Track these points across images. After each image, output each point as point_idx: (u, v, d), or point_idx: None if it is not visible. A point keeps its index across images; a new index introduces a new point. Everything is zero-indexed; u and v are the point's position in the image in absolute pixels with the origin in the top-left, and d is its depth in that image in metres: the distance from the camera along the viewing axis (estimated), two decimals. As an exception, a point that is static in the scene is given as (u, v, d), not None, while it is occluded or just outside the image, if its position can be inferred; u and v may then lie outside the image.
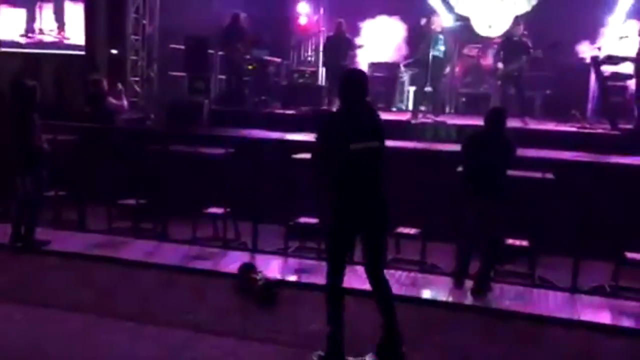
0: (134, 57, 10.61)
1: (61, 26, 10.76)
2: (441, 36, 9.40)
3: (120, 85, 8.87)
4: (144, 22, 10.69)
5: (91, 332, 4.52)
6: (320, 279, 5.71)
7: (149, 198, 7.05)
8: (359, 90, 4.09)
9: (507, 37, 9.90)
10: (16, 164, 6.35)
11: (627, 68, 8.87)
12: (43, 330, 4.51)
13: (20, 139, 6.24)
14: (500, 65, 9.54)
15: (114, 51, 10.65)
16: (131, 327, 4.62)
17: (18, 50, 10.81)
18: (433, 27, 9.45)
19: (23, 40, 10.85)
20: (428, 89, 9.74)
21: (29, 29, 10.85)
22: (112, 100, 8.58)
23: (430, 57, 9.28)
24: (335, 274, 4.13)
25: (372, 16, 12.21)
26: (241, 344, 4.42)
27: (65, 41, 10.73)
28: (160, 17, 10.88)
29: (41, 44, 10.81)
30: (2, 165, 6.80)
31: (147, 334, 4.51)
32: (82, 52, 10.55)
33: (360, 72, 4.66)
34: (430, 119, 9.51)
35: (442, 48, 9.39)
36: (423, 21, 10.38)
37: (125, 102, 8.85)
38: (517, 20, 10.57)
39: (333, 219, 4.12)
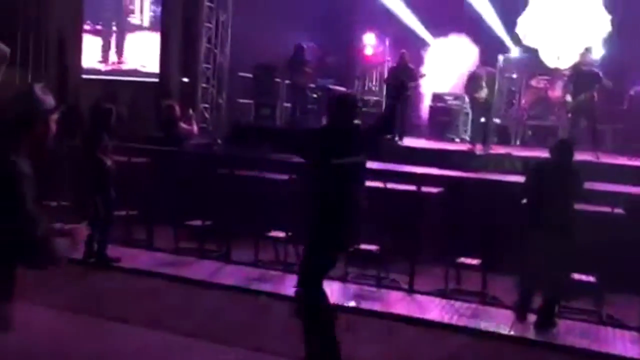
0: (205, 85, 11.03)
1: (120, 54, 11.34)
2: (485, 78, 9.44)
3: (191, 111, 9.25)
4: (216, 51, 11.12)
5: (154, 348, 4.68)
6: (377, 306, 5.78)
7: (214, 220, 7.27)
8: (347, 110, 4.27)
9: (576, 68, 9.73)
10: (88, 183, 6.70)
11: None
12: (108, 343, 4.70)
13: (92, 159, 6.59)
14: (568, 97, 9.37)
15: (185, 79, 11.12)
16: (191, 344, 4.76)
17: (98, 77, 11.44)
18: (482, 70, 9.54)
19: (102, 67, 11.48)
20: (482, 120, 9.74)
21: (105, 57, 11.49)
22: (183, 125, 8.95)
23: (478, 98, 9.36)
24: (323, 292, 4.19)
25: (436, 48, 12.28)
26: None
27: (142, 69, 11.28)
28: (231, 46, 11.30)
29: (118, 72, 11.41)
30: (78, 185, 7.20)
31: (209, 352, 4.63)
32: (157, 80, 11.05)
33: (351, 95, 4.89)
34: (492, 149, 9.41)
35: (485, 90, 9.42)
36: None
37: (195, 127, 9.22)
38: (587, 51, 10.39)
39: (320, 235, 4.19)
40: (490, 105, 9.64)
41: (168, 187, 7.75)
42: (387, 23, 12.80)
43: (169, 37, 11.08)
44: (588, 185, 5.59)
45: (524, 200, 5.65)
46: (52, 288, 5.86)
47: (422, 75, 11.21)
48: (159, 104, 10.16)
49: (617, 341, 5.22)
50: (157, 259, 6.91)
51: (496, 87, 9.77)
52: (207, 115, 11.05)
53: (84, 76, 11.46)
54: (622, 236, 5.77)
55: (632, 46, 10.03)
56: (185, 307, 5.61)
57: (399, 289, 6.28)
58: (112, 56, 11.45)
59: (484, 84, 9.45)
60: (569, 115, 9.66)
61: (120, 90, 11.34)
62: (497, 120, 9.66)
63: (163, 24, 11.09)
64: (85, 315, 5.21)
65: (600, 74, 9.18)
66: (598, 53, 10.81)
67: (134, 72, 11.29)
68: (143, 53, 11.27)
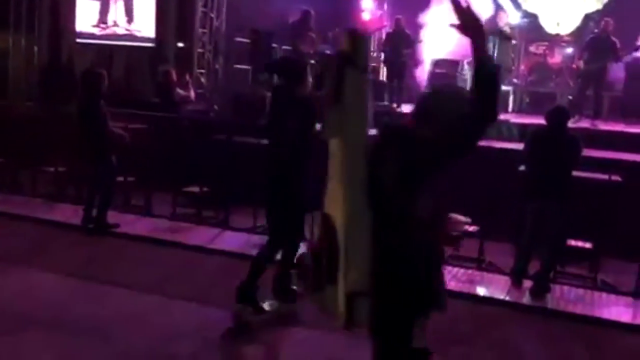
0: (201, 50, 10.90)
1: (131, 19, 11.16)
2: (492, 37, 9.24)
3: (188, 77, 9.15)
4: (212, 15, 10.96)
5: (153, 313, 4.73)
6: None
7: (212, 186, 7.28)
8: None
9: (595, 35, 9.59)
10: (88, 151, 6.68)
11: None
12: (106, 307, 4.74)
13: (90, 127, 6.55)
14: (581, 63, 9.28)
15: (181, 44, 10.98)
16: (193, 308, 4.82)
17: (92, 41, 11.28)
18: (499, 23, 9.31)
19: (97, 31, 11.31)
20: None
21: (102, 20, 11.30)
22: (180, 91, 8.88)
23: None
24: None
25: (436, 11, 12.08)
26: (294, 329, 4.55)
27: (136, 33, 11.13)
28: (227, 11, 11.13)
29: (114, 36, 11.25)
30: (75, 151, 7.17)
31: (208, 317, 4.69)
32: (152, 45, 10.91)
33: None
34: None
35: (493, 49, 9.22)
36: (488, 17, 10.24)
37: (192, 93, 9.15)
38: (587, 18, 10.29)
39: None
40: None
41: (166, 153, 7.73)
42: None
43: (165, 1, 10.89)
44: (586, 152, 5.59)
45: (522, 167, 5.66)
46: (50, 253, 5.92)
47: (419, 41, 11.09)
48: (155, 69, 10.06)
49: (611, 306, 5.30)
50: (155, 225, 6.93)
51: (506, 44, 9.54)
52: (203, 80, 10.95)
53: (78, 40, 11.30)
54: (618, 203, 5.81)
55: (633, 12, 9.92)
56: (183, 272, 5.66)
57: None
58: (109, 19, 11.25)
59: (490, 43, 9.28)
60: (578, 80, 9.59)
61: (115, 55, 11.22)
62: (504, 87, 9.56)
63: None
64: (83, 280, 5.26)
65: (618, 44, 9.07)
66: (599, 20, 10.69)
67: (130, 37, 11.14)
68: (138, 17, 11.09)
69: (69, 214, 7.06)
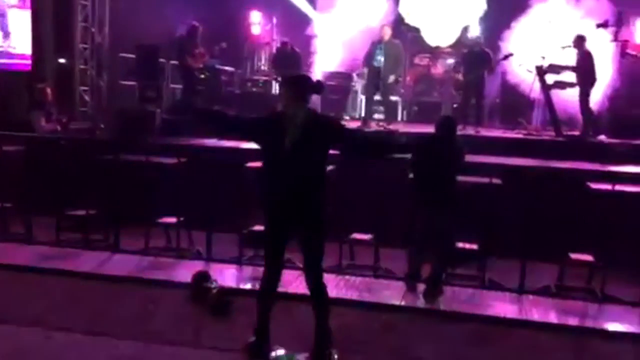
0: (83, 66, 10.42)
1: (6, 35, 10.47)
2: (382, 45, 9.53)
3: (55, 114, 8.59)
4: (93, 30, 10.53)
5: (42, 346, 4.41)
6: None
7: (99, 208, 6.93)
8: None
9: (469, 49, 10.15)
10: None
11: (570, 77, 9.22)
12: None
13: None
14: (459, 76, 9.80)
15: (62, 60, 10.44)
16: (83, 339, 4.53)
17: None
18: (381, 35, 9.62)
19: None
20: (377, 97, 9.92)
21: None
22: (44, 125, 8.31)
23: (375, 67, 9.48)
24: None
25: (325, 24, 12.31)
26: (195, 352, 4.40)
27: (11, 50, 10.44)
28: (110, 26, 10.73)
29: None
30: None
31: (100, 346, 4.43)
32: (29, 62, 10.28)
33: (303, 76, 4.73)
34: (382, 126, 9.66)
35: (380, 58, 9.53)
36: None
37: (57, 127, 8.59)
38: (466, 29, 10.89)
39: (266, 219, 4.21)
40: (384, 75, 9.67)
41: (46, 175, 7.27)
42: (271, 1, 12.69)
43: (40, 15, 10.30)
44: (469, 158, 5.87)
45: (411, 175, 5.84)
46: None
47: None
48: (33, 87, 9.49)
49: (498, 303, 5.57)
50: (38, 253, 6.48)
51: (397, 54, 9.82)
52: (87, 98, 10.47)
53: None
54: (499, 205, 6.13)
55: (505, 24, 10.63)
56: (70, 302, 5.32)
57: (294, 268, 6.30)
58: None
59: (378, 52, 9.51)
60: (459, 92, 10.11)
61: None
62: (377, 97, 9.86)
63: (33, 1, 10.29)
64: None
65: (491, 54, 9.66)
66: (475, 31, 11.36)
67: (5, 54, 10.43)
68: (15, 33, 10.41)
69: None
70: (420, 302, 5.48)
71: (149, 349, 4.42)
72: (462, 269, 6.14)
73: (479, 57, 9.63)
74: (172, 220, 6.65)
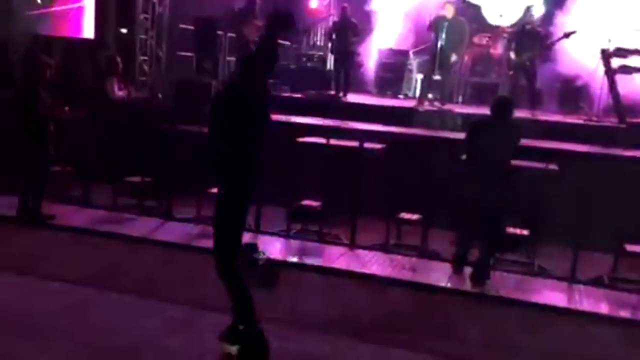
0: (143, 36, 10.62)
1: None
2: (446, 24, 9.33)
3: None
4: (154, 1, 10.69)
5: (92, 306, 4.60)
6: (320, 261, 5.84)
7: (154, 176, 7.12)
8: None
9: (521, 26, 9.83)
10: (22, 137, 6.42)
11: (638, 62, 8.82)
12: (44, 302, 4.58)
13: (28, 113, 6.30)
14: (512, 55, 9.49)
15: (123, 30, 10.66)
16: (133, 301, 4.70)
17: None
18: (443, 13, 9.41)
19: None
20: (436, 77, 9.73)
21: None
22: (118, 92, 8.49)
23: (438, 45, 9.28)
24: None
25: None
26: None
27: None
28: (170, -4, 10.88)
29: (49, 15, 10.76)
30: (10, 139, 6.86)
31: (149, 309, 4.59)
32: (92, 32, 10.53)
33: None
34: (436, 107, 9.51)
35: (444, 35, 9.31)
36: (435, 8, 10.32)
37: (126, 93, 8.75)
38: (529, 9, 10.51)
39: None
40: (449, 54, 9.48)
41: (106, 142, 7.50)
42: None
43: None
44: (525, 142, 5.73)
45: (464, 156, 5.76)
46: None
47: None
48: (96, 55, 9.74)
49: (547, 291, 5.47)
50: (95, 216, 6.73)
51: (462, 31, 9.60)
52: (146, 68, 10.67)
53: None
54: (554, 191, 5.98)
55: (571, 3, 10.22)
56: (124, 264, 5.52)
57: (340, 244, 6.35)
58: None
59: (444, 29, 9.32)
60: (511, 72, 9.81)
61: (54, 40, 10.78)
62: (437, 77, 9.68)
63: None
64: (18, 275, 5.05)
65: (546, 34, 9.31)
66: (539, 11, 10.96)
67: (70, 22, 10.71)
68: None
69: (4, 205, 6.77)
70: (467, 285, 5.43)
71: (196, 314, 4.54)
72: (511, 254, 6.04)
73: (531, 37, 9.28)
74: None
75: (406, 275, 5.55)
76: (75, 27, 10.67)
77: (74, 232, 6.23)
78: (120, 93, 8.50)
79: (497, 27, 11.67)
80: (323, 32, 13.10)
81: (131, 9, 10.46)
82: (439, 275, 5.64)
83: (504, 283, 5.55)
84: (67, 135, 6.68)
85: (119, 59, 8.66)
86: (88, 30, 10.55)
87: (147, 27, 10.65)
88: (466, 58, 11.57)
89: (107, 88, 8.35)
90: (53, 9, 10.69)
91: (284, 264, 5.58)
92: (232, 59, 11.06)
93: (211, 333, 4.05)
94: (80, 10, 10.63)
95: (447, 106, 9.63)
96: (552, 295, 5.38)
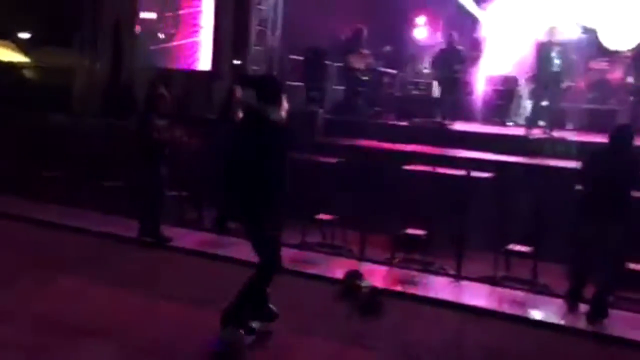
0: (256, 67, 11.08)
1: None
2: (557, 48, 8.99)
3: None
4: (267, 32, 11.15)
5: (204, 328, 4.77)
6: (425, 291, 5.74)
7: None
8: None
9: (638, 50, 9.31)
10: (138, 160, 6.87)
11: None
12: (157, 321, 4.82)
13: (142, 138, 6.76)
14: (630, 79, 8.98)
15: (236, 62, 11.19)
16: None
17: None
18: (551, 38, 9.09)
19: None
20: (545, 103, 9.39)
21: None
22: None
23: (548, 71, 8.97)
24: None
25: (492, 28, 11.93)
26: (344, 348, 4.51)
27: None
28: (282, 28, 11.29)
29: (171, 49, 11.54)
30: (131, 165, 7.37)
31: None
32: (208, 64, 11.16)
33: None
34: (547, 134, 9.14)
35: (557, 62, 8.98)
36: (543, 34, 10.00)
37: None
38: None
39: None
40: (559, 79, 9.15)
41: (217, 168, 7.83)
42: (439, 3, 12.54)
43: (220, 17, 11.14)
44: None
45: (579, 187, 5.48)
46: (107, 264, 6.10)
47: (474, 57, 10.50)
48: (211, 85, 10.27)
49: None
50: (206, 239, 7.03)
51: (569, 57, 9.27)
52: (257, 97, 11.10)
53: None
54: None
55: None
56: (232, 285, 5.69)
57: (446, 274, 6.22)
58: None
59: (554, 54, 9.04)
60: (631, 98, 9.26)
61: (173, 72, 11.51)
62: (545, 103, 9.33)
63: (215, 5, 11.18)
64: (138, 292, 5.36)
65: None
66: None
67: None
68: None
69: (124, 226, 7.24)
70: (582, 324, 5.12)
71: (296, 339, 4.58)
72: (632, 292, 5.64)
73: None
74: (328, 217, 6.86)
75: (516, 310, 5.33)
76: (193, 60, 11.38)
77: (189, 254, 6.54)
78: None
79: (616, 51, 11.08)
80: (429, 59, 13.05)
81: (245, 41, 10.97)
82: (552, 311, 5.36)
83: (625, 323, 5.18)
84: (182, 162, 7.03)
85: (237, 90, 9.08)
86: (204, 62, 11.22)
87: (260, 58, 11.11)
88: (581, 84, 11.07)
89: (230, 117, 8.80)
90: (173, 43, 11.52)
91: (387, 293, 5.54)
92: (340, 87, 11.30)
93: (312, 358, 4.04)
94: (197, 44, 11.34)
95: (559, 133, 9.24)
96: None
